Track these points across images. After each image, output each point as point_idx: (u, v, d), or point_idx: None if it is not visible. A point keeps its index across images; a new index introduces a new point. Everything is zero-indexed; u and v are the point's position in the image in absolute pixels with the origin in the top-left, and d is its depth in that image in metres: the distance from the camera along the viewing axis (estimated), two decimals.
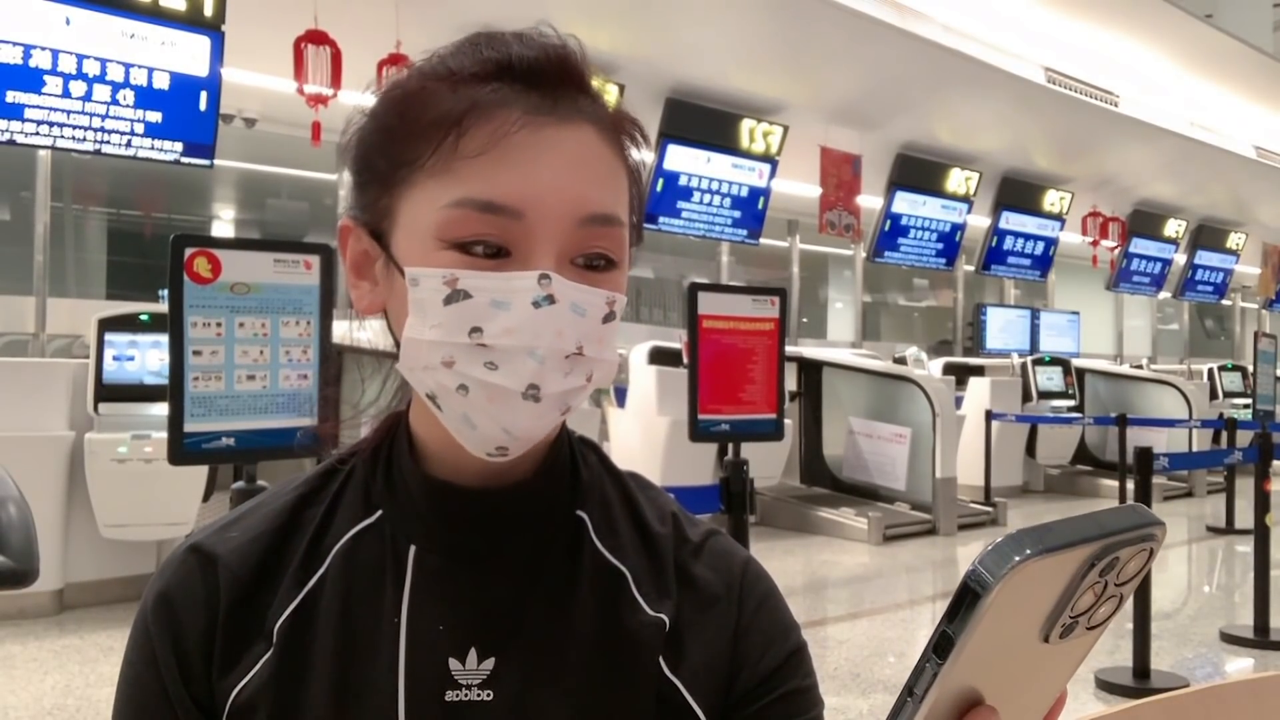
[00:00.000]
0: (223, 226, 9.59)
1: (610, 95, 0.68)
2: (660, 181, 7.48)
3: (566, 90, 0.64)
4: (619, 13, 6.43)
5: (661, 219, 7.60)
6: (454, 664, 0.64)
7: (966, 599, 0.40)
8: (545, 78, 0.63)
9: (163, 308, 4.48)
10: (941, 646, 0.42)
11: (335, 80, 5.43)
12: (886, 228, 9.40)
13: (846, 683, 3.74)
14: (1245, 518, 5.84)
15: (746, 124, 7.87)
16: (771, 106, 7.94)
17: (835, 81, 7.95)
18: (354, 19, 5.43)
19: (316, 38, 5.39)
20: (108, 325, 4.55)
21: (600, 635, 0.66)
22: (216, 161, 5.44)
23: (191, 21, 5.16)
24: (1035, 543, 0.39)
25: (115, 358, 4.53)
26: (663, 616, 0.68)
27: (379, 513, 0.68)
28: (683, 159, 7.60)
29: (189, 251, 2.54)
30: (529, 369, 0.59)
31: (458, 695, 0.63)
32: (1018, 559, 0.39)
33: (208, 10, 5.18)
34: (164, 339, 3.26)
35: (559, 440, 0.70)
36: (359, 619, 0.65)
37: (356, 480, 0.70)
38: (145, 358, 4.59)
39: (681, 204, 7.70)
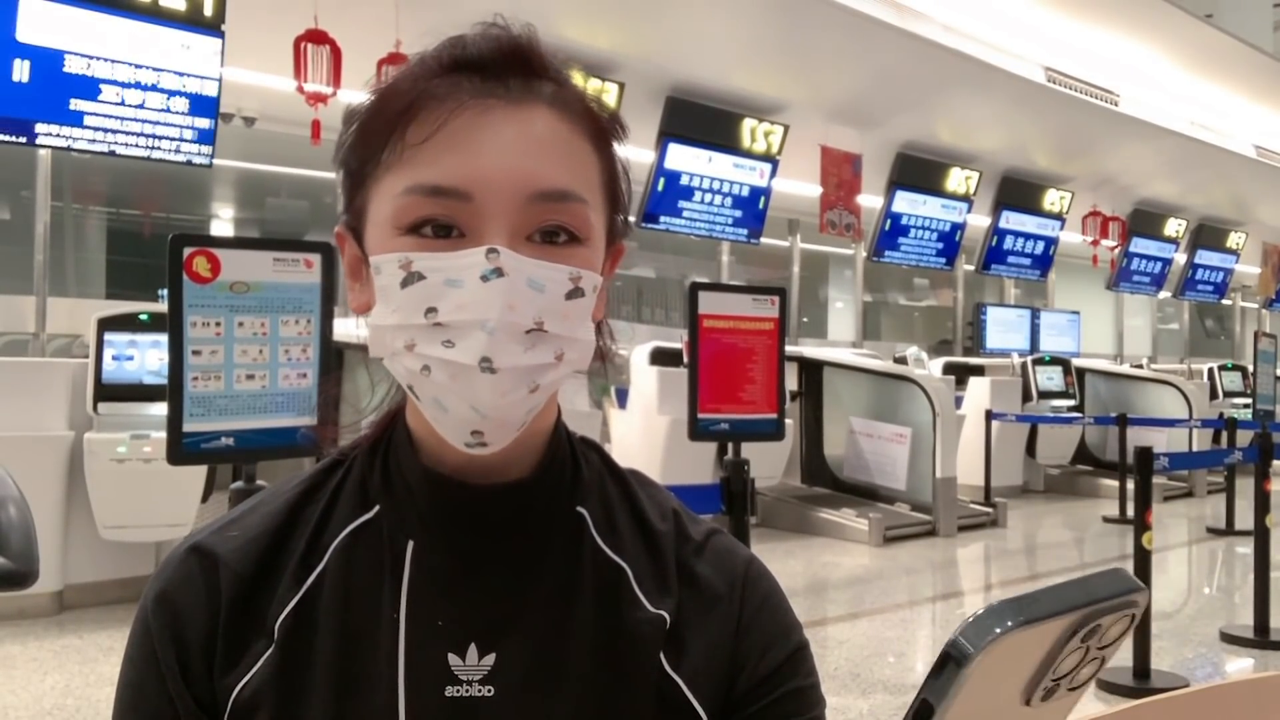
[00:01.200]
0: (222, 226, 9.59)
1: (580, 82, 0.68)
2: (661, 181, 7.48)
3: (521, 76, 0.64)
4: (619, 12, 6.43)
5: (662, 218, 7.60)
6: (454, 660, 0.64)
7: (947, 668, 0.40)
8: (498, 65, 0.64)
9: (162, 307, 4.47)
10: (922, 714, 0.42)
11: (335, 79, 5.44)
12: (887, 227, 9.40)
13: (846, 683, 3.74)
14: (1245, 518, 5.83)
15: (748, 123, 7.86)
16: (772, 106, 7.94)
17: (835, 81, 7.95)
18: (354, 18, 5.43)
19: (316, 37, 5.39)
20: (107, 325, 4.54)
21: (600, 631, 0.66)
22: (216, 161, 5.44)
23: (191, 21, 5.16)
24: (1016, 614, 0.39)
25: (115, 357, 4.53)
26: (663, 613, 0.68)
27: (376, 508, 0.68)
28: (684, 158, 7.60)
29: (188, 251, 2.54)
30: (481, 342, 0.59)
31: (458, 691, 0.63)
32: (998, 630, 0.39)
33: (208, 10, 5.18)
34: (163, 339, 3.25)
35: (556, 439, 0.70)
36: (358, 615, 0.65)
37: (355, 476, 0.71)
38: (144, 357, 4.58)
39: (683, 203, 7.70)
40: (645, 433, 6.25)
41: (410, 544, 0.67)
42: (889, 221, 9.40)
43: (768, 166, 8.07)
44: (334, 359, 2.81)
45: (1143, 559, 3.71)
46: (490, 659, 0.64)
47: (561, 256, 0.62)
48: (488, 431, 0.61)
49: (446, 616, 0.65)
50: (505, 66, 0.64)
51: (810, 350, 8.22)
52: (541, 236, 0.62)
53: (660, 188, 7.49)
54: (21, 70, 4.74)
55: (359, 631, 0.65)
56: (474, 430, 0.61)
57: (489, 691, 0.64)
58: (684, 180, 7.65)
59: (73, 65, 4.87)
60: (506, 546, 0.67)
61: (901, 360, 8.72)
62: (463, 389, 0.60)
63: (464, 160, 0.61)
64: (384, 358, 0.64)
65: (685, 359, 4.09)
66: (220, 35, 5.22)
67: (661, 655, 0.67)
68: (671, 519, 0.73)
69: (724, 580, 0.71)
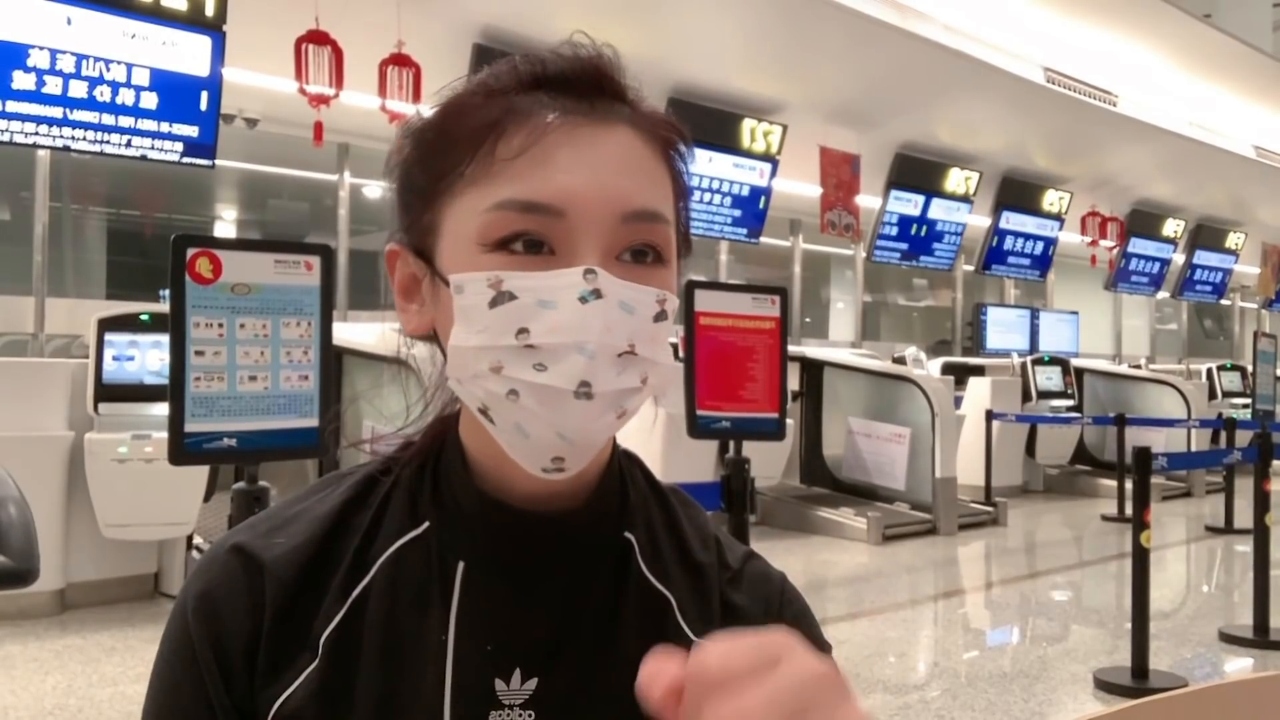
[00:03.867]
0: (224, 227, 9.59)
1: (651, 103, 0.68)
2: None
3: (602, 96, 0.64)
4: (620, 13, 6.43)
5: None
6: (499, 684, 0.64)
7: None
8: (579, 84, 0.64)
9: (163, 308, 4.48)
10: None
11: (337, 80, 5.44)
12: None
13: None
14: (1244, 518, 5.84)
15: (747, 123, 7.87)
16: (771, 106, 7.95)
17: (835, 81, 7.96)
18: (355, 19, 5.43)
19: (318, 38, 5.39)
20: (107, 325, 4.54)
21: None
22: (217, 162, 5.45)
23: (192, 21, 5.17)
24: None
25: (115, 358, 4.53)
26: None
27: (425, 525, 0.67)
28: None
29: (191, 251, 2.54)
30: (579, 366, 0.58)
31: (501, 715, 0.63)
32: None
33: (209, 10, 5.19)
34: (164, 339, 3.25)
35: (612, 463, 0.70)
36: (404, 634, 0.65)
37: (404, 488, 0.69)
38: (145, 358, 4.58)
39: None
40: (644, 427, 6.24)
41: (461, 565, 0.66)
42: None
43: (768, 166, 8.08)
44: (333, 363, 2.82)
45: (1141, 557, 3.72)
46: (533, 684, 0.64)
47: (648, 278, 0.62)
48: (569, 457, 0.60)
49: (495, 640, 0.64)
50: (586, 86, 0.64)
51: (811, 350, 8.23)
52: (631, 257, 0.62)
53: None
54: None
55: (405, 650, 0.64)
56: (555, 456, 0.60)
57: (530, 716, 0.64)
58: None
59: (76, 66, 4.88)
60: (556, 571, 0.66)
61: (900, 360, 8.73)
62: (552, 414, 0.58)
63: (559, 177, 0.60)
64: (459, 380, 0.62)
65: (680, 354, 4.09)
66: (221, 35, 5.22)
67: None
68: (714, 547, 0.74)
69: (760, 607, 0.72)
